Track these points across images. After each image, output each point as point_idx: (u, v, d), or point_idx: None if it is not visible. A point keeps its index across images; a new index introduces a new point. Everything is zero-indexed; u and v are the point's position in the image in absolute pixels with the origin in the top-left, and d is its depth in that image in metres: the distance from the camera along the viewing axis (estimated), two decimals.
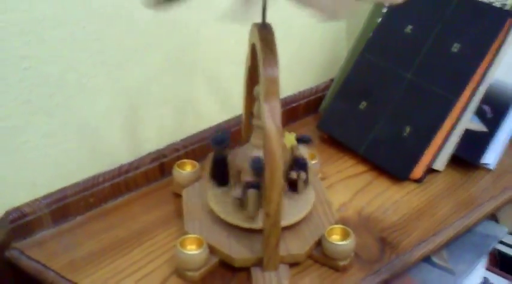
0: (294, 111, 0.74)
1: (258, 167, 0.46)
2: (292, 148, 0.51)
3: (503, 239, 0.81)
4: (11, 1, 0.47)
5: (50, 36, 0.50)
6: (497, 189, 0.63)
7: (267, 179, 0.44)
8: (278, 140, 0.43)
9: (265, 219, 0.46)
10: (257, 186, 0.47)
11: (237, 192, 0.50)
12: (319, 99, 0.76)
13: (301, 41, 0.75)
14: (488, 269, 0.70)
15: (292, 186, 0.53)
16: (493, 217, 0.77)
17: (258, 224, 0.49)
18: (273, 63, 0.43)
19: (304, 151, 0.52)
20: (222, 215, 0.51)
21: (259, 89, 0.45)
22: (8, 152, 0.52)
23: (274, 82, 0.43)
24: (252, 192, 0.48)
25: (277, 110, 0.43)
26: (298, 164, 0.52)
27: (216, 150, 0.52)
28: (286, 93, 0.74)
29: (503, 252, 0.78)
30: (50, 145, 0.54)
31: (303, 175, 0.51)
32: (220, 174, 0.53)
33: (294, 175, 0.51)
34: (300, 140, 0.51)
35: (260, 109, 0.45)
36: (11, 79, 0.49)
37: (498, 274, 0.69)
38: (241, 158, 0.51)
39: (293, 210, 0.52)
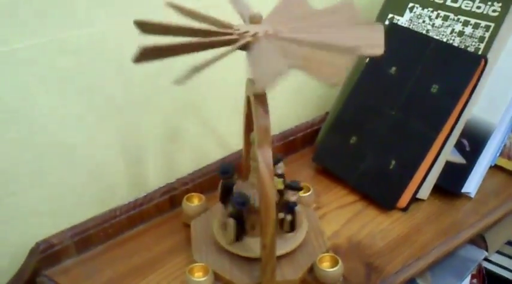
0: (292, 144, 0.81)
1: (239, 201, 0.53)
2: (283, 193, 0.57)
3: (491, 258, 0.87)
4: None
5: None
6: (477, 215, 0.68)
7: (262, 215, 0.50)
8: (270, 182, 0.50)
9: (262, 250, 0.52)
10: (236, 216, 0.54)
11: (223, 216, 0.58)
12: (315, 132, 0.82)
13: (300, 78, 0.81)
14: None
15: (281, 225, 0.59)
16: (481, 238, 0.83)
17: (256, 253, 0.56)
18: (264, 115, 0.50)
19: (293, 195, 0.58)
20: (225, 245, 0.58)
21: (254, 136, 0.52)
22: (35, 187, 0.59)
23: (265, 131, 0.50)
24: (231, 221, 0.55)
25: (269, 156, 0.50)
26: (287, 207, 0.58)
27: (223, 179, 0.59)
28: (286, 127, 0.81)
29: (490, 270, 0.83)
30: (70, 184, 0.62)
31: (288, 217, 0.58)
32: (227, 199, 0.60)
33: (281, 215, 0.58)
34: (289, 187, 0.58)
35: (254, 155, 0.52)
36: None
37: None
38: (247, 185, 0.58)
39: (288, 240, 0.59)
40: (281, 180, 0.56)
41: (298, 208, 0.58)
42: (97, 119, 0.62)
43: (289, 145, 0.81)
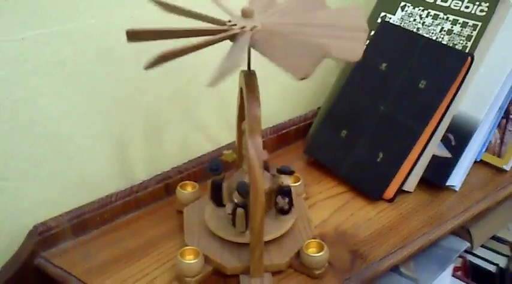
0: (285, 137, 0.83)
1: (244, 190, 0.55)
2: (277, 178, 0.60)
3: (475, 252, 0.89)
4: None
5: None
6: (460, 208, 0.71)
7: (252, 201, 0.53)
8: (260, 169, 0.52)
9: (250, 234, 0.55)
10: (244, 206, 0.57)
11: (228, 209, 0.60)
12: (308, 126, 0.85)
13: None
14: (459, 278, 0.78)
15: (281, 210, 0.62)
16: (466, 232, 0.85)
17: (246, 238, 0.58)
18: (255, 105, 0.52)
19: (287, 179, 0.61)
20: (216, 231, 0.61)
21: (245, 125, 0.54)
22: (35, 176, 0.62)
23: (256, 120, 0.52)
24: (240, 211, 0.57)
25: (259, 144, 0.52)
26: (282, 191, 0.61)
27: (213, 176, 0.61)
28: (279, 121, 0.83)
29: (474, 263, 0.86)
30: (69, 168, 0.64)
31: (284, 200, 0.61)
32: (217, 197, 0.62)
33: (281, 202, 0.61)
34: (282, 171, 0.60)
35: (245, 143, 0.54)
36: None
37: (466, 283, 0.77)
38: (233, 181, 0.60)
39: (277, 226, 0.61)
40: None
41: (292, 190, 0.60)
42: (90, 110, 0.64)
43: (282, 138, 0.83)
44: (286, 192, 0.61)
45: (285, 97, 0.85)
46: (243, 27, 0.50)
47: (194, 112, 0.75)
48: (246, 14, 0.52)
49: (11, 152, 0.59)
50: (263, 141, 0.79)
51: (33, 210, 0.62)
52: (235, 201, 0.57)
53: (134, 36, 0.48)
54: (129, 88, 0.67)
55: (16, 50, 0.56)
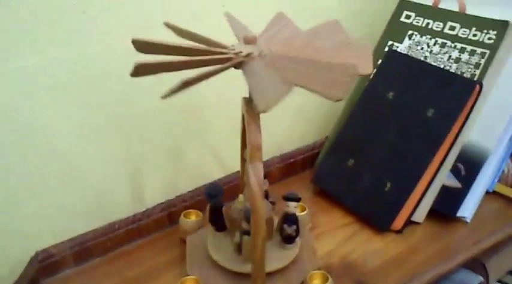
0: (292, 166, 0.82)
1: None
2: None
3: None
4: None
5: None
6: (471, 240, 0.68)
7: (253, 230, 0.52)
8: (261, 197, 0.51)
9: (252, 264, 0.53)
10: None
11: (236, 237, 0.59)
12: (316, 155, 0.84)
13: (303, 99, 0.83)
14: None
15: (287, 238, 0.61)
16: (481, 266, 0.83)
17: (247, 268, 0.57)
18: (256, 132, 0.52)
19: (293, 207, 0.60)
20: (218, 260, 0.59)
21: (246, 153, 0.54)
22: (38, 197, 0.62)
23: (257, 148, 0.52)
24: (246, 238, 0.56)
25: (260, 171, 0.51)
26: (288, 219, 0.60)
27: (211, 202, 0.60)
28: (288, 149, 0.83)
29: None
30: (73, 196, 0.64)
31: (290, 228, 0.60)
32: (217, 221, 0.61)
33: (288, 229, 0.60)
34: (288, 198, 0.59)
35: (246, 170, 0.53)
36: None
37: None
38: (234, 209, 0.59)
39: (281, 256, 0.60)
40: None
41: (299, 217, 0.60)
42: (102, 136, 0.65)
43: (289, 167, 0.82)
44: (292, 219, 0.60)
45: (293, 126, 0.85)
46: (249, 54, 0.50)
47: (205, 138, 0.75)
48: (248, 40, 0.52)
49: (19, 175, 0.59)
50: (270, 170, 0.80)
51: (39, 236, 0.62)
52: (244, 228, 0.57)
53: (142, 70, 0.48)
54: (137, 113, 0.67)
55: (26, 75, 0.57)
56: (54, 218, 0.63)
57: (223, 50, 0.51)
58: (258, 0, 0.72)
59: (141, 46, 0.49)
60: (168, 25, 0.51)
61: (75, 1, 0.57)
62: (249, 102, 0.54)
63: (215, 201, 0.60)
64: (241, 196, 0.60)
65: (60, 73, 0.59)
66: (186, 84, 0.45)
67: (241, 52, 0.51)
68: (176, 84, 0.44)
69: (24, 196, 0.60)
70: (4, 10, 0.54)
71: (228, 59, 0.50)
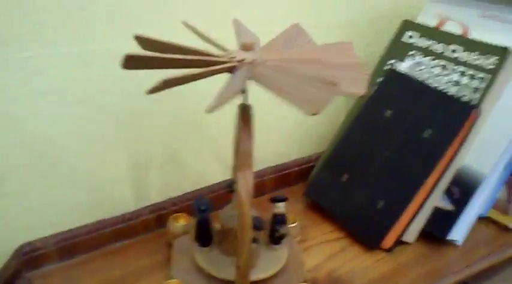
0: (286, 178, 0.82)
1: (259, 225, 0.54)
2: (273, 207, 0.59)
3: None
4: None
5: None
6: (461, 264, 0.68)
7: (238, 236, 0.51)
8: (248, 205, 0.51)
9: (236, 271, 0.53)
10: (254, 240, 0.56)
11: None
12: (311, 168, 0.84)
13: (300, 116, 0.83)
14: None
15: (279, 239, 0.61)
16: None
17: (231, 275, 0.56)
18: (248, 139, 0.51)
19: (282, 208, 0.60)
20: (204, 266, 0.59)
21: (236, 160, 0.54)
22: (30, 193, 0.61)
23: (247, 155, 0.51)
24: (253, 246, 0.56)
25: (249, 179, 0.51)
26: (277, 220, 0.60)
27: (199, 217, 0.60)
28: (286, 160, 0.82)
29: None
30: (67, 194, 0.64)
31: (278, 229, 0.60)
32: (202, 237, 0.61)
33: (280, 230, 0.61)
34: (276, 199, 0.59)
35: (236, 178, 0.53)
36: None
37: None
38: (224, 214, 0.59)
39: (267, 266, 0.60)
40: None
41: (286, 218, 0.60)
42: (99, 135, 0.65)
43: (283, 178, 0.82)
44: (283, 219, 0.60)
45: (291, 139, 0.85)
46: (242, 60, 0.50)
47: (203, 142, 0.75)
48: (246, 47, 0.52)
49: (13, 168, 0.59)
50: (264, 180, 0.79)
51: (28, 230, 0.62)
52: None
53: (132, 62, 0.48)
54: (142, 115, 0.67)
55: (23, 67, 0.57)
56: (44, 213, 0.63)
57: (221, 54, 0.51)
58: (272, 12, 0.73)
59: (143, 42, 0.49)
60: (185, 24, 0.51)
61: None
62: (243, 108, 0.54)
63: (202, 216, 0.59)
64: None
65: (63, 70, 0.59)
66: (167, 83, 0.44)
67: (235, 57, 0.51)
68: (158, 81, 0.44)
69: (17, 190, 0.60)
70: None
71: (220, 62, 0.50)
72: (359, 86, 0.50)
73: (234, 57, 0.51)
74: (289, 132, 0.84)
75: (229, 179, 0.61)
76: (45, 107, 0.59)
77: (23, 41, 0.55)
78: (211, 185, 0.75)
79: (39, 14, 0.55)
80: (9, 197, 0.60)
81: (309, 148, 0.87)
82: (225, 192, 0.60)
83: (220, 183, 0.76)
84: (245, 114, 0.53)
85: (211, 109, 0.44)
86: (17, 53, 0.55)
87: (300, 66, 0.51)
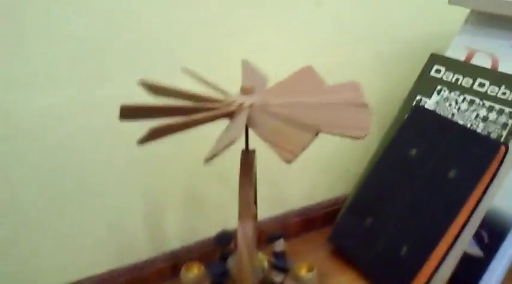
0: (311, 221, 0.79)
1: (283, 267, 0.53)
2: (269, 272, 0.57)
3: None
4: None
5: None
6: None
7: None
8: (247, 255, 0.49)
9: None
10: None
11: None
12: (337, 211, 0.81)
13: (335, 149, 0.81)
14: None
15: None
16: None
17: None
18: (247, 187, 0.50)
19: (280, 245, 0.58)
20: None
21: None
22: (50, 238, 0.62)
23: (247, 204, 0.50)
24: None
25: (249, 229, 0.49)
26: (277, 258, 0.58)
27: (221, 249, 0.59)
28: (318, 199, 0.80)
29: None
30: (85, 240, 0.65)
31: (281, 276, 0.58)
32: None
33: (275, 277, 0.58)
34: (271, 239, 0.57)
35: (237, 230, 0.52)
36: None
37: None
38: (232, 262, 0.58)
39: None
40: (266, 257, 0.56)
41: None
42: (121, 174, 0.65)
43: (308, 222, 0.79)
44: (280, 256, 0.58)
45: (323, 176, 0.81)
46: (241, 104, 0.49)
47: (224, 186, 0.74)
48: (245, 91, 0.51)
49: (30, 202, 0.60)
50: (288, 224, 0.77)
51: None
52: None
53: (128, 113, 0.48)
54: (162, 153, 0.67)
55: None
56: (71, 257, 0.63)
57: (220, 99, 0.51)
58: (300, 46, 0.72)
59: (149, 87, 0.49)
60: (185, 70, 0.51)
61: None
62: (244, 154, 0.53)
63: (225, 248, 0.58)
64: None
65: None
66: (155, 133, 0.44)
67: (234, 101, 0.50)
68: (146, 131, 0.44)
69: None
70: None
71: (218, 108, 0.49)
72: (358, 130, 0.48)
73: (234, 102, 0.50)
74: (314, 173, 0.81)
75: (221, 232, 0.59)
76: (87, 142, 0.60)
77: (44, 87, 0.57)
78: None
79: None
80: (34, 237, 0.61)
81: (335, 191, 0.83)
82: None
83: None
84: (246, 161, 0.51)
85: (209, 159, 0.43)
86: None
87: (298, 110, 0.49)
